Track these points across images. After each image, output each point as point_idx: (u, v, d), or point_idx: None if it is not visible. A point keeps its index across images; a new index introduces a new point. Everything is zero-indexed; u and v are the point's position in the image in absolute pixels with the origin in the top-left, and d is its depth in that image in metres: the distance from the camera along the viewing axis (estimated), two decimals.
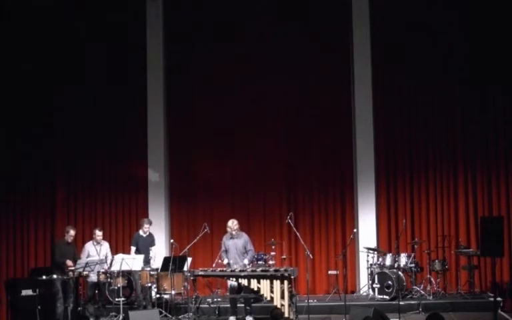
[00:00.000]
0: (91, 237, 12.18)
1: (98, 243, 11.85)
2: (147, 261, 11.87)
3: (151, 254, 12.25)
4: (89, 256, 11.66)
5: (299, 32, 13.48)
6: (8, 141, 13.56)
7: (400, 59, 13.08)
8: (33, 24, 13.69)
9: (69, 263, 11.32)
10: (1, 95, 13.58)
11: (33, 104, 13.70)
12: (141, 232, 12.23)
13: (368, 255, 12.33)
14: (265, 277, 10.14)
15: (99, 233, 11.87)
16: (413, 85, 13.10)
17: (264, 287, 10.12)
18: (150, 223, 12.32)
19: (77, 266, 11.35)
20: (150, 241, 12.27)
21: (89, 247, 11.84)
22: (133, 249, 12.13)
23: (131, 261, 11.25)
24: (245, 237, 11.34)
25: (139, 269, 11.48)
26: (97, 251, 11.72)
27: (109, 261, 11.44)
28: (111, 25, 13.70)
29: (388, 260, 11.97)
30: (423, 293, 11.80)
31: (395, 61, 13.12)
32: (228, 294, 11.32)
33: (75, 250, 11.72)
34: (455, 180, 12.84)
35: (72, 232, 11.62)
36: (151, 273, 11.80)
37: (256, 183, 13.57)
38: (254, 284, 10.22)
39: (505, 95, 12.60)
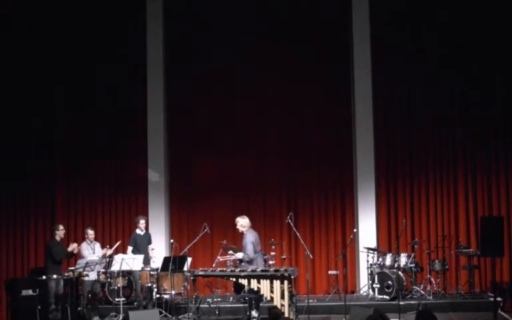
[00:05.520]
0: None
1: (91, 241, 11.87)
2: (146, 261, 11.86)
3: (151, 253, 12.26)
4: (85, 256, 11.68)
5: (299, 33, 13.46)
6: (8, 140, 13.55)
7: (400, 59, 13.07)
8: (34, 24, 13.72)
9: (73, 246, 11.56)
10: (1, 95, 13.59)
11: (33, 105, 13.71)
12: (138, 231, 12.24)
13: (368, 255, 12.33)
14: (265, 277, 10.13)
15: (91, 232, 11.92)
16: (413, 85, 13.11)
17: (264, 287, 10.11)
18: (145, 218, 12.42)
19: (77, 266, 11.37)
20: (147, 239, 12.28)
21: (86, 246, 11.84)
22: (130, 248, 12.14)
23: (131, 261, 11.26)
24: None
25: (139, 269, 11.48)
26: (92, 249, 11.76)
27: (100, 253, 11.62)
28: (111, 24, 13.71)
29: (388, 260, 11.97)
30: (422, 293, 11.80)
31: (395, 62, 13.11)
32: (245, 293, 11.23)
33: (65, 248, 11.72)
34: (454, 180, 12.85)
35: (61, 226, 11.72)
36: (151, 273, 11.80)
37: (256, 183, 13.58)
38: (254, 284, 10.22)
39: (505, 94, 12.62)
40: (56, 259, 11.35)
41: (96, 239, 12.32)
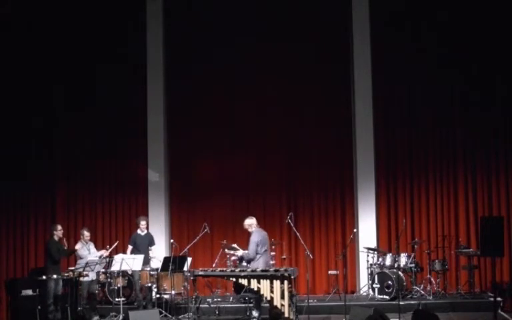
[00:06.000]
0: (91, 238, 12.15)
1: (86, 242, 11.86)
2: (146, 261, 11.86)
3: (151, 254, 12.25)
4: (82, 256, 11.68)
5: (299, 33, 13.47)
6: (8, 140, 13.56)
7: (400, 59, 13.08)
8: (34, 24, 13.73)
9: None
10: (1, 95, 13.59)
11: (33, 105, 13.71)
12: (138, 231, 12.23)
13: (368, 255, 12.33)
14: (265, 277, 10.13)
15: (87, 234, 11.89)
16: (413, 85, 13.11)
17: (264, 287, 10.12)
18: (146, 219, 12.39)
19: (77, 266, 11.38)
20: (148, 240, 12.26)
21: (83, 247, 11.82)
22: (130, 248, 12.15)
23: (131, 261, 11.25)
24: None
25: (139, 269, 11.47)
26: (87, 249, 11.74)
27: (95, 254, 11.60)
28: (111, 24, 13.71)
29: (388, 260, 11.97)
30: (422, 293, 11.80)
31: (395, 62, 13.12)
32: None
33: (63, 247, 11.73)
34: (454, 180, 12.85)
35: (59, 227, 11.71)
36: (151, 273, 11.80)
37: (256, 183, 13.58)
38: (254, 284, 10.22)
39: (505, 94, 12.62)
40: (55, 258, 11.35)
41: (96, 239, 12.30)
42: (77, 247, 11.74)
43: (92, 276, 11.55)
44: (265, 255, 10.88)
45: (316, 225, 13.46)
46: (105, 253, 11.80)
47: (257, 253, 10.73)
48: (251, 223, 11.05)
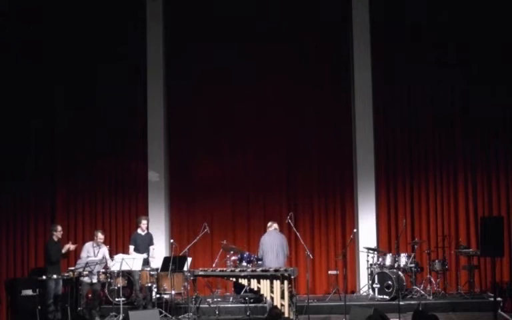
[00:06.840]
0: (91, 237, 12.18)
1: (98, 245, 11.83)
2: (146, 261, 11.85)
3: (151, 253, 12.24)
4: (87, 256, 11.67)
5: (299, 33, 13.48)
6: (8, 140, 13.55)
7: (400, 59, 13.08)
8: (34, 24, 13.71)
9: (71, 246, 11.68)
10: (1, 95, 13.59)
11: (34, 105, 13.70)
12: (139, 230, 12.23)
13: (368, 255, 12.33)
14: (265, 277, 10.15)
15: (101, 236, 11.85)
16: (413, 85, 13.11)
17: (264, 287, 10.12)
18: (147, 219, 12.37)
19: (77, 266, 11.38)
20: (148, 239, 12.26)
21: (89, 247, 11.81)
22: (132, 248, 12.14)
23: (131, 261, 11.25)
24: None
25: (139, 268, 11.47)
26: (94, 252, 11.70)
27: (109, 263, 11.50)
28: (111, 24, 13.70)
29: (388, 260, 11.97)
30: (423, 293, 11.80)
31: (395, 62, 13.12)
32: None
33: (60, 248, 11.72)
34: (455, 180, 12.86)
35: (59, 227, 11.73)
36: (151, 273, 11.80)
37: (256, 183, 13.58)
38: (254, 284, 10.23)
39: (505, 94, 12.62)
40: (52, 259, 11.33)
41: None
42: (72, 247, 11.70)
43: (94, 279, 11.52)
44: (266, 256, 10.96)
45: (316, 225, 13.45)
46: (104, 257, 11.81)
47: (262, 252, 11.03)
48: (268, 225, 11.55)
